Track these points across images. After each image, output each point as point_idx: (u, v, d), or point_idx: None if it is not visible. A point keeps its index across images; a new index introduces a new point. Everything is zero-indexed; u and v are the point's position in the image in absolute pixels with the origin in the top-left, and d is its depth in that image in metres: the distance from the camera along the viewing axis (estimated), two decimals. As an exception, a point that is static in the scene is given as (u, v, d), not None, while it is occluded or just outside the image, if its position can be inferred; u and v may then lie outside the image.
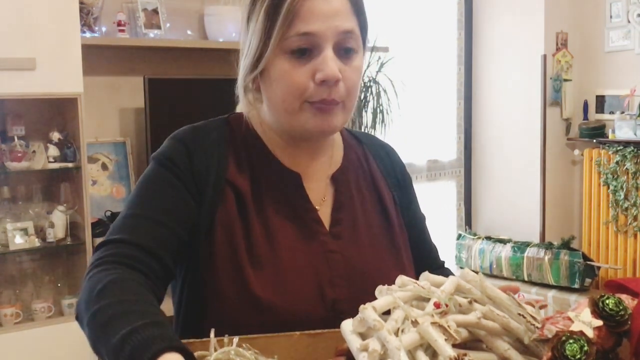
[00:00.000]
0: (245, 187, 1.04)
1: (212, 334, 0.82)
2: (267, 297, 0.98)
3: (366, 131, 3.41)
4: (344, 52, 1.00)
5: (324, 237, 1.06)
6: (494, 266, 3.96)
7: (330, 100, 0.99)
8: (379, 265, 1.08)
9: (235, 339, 0.82)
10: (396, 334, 0.72)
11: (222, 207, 1.02)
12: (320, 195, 1.10)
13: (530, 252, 3.85)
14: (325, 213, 1.09)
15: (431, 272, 0.89)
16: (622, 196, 3.89)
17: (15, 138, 2.70)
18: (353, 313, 0.79)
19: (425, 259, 1.20)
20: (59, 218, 2.74)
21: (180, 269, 1.05)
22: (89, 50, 2.82)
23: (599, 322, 0.72)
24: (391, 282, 0.85)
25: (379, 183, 1.16)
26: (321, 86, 0.98)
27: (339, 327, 0.82)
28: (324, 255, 1.04)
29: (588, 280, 3.70)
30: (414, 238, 1.19)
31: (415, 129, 4.11)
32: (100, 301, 0.84)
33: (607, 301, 0.73)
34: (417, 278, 0.86)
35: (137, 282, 0.89)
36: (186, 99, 3.14)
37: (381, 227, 1.12)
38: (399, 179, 1.20)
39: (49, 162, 2.74)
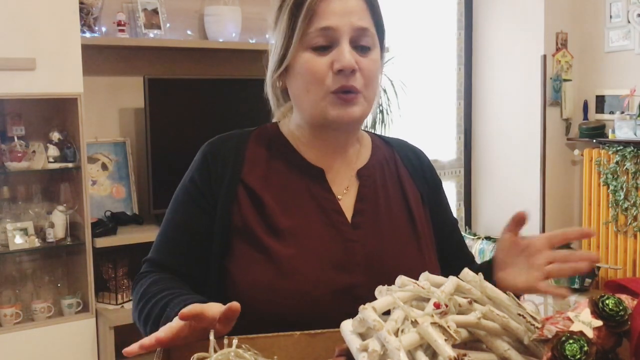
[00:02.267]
0: (261, 184, 1.12)
1: (211, 335, 0.82)
2: (289, 264, 1.06)
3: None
4: (360, 48, 1.08)
5: (344, 227, 1.11)
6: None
7: (350, 87, 1.06)
8: (399, 254, 1.12)
9: (235, 340, 0.82)
10: (396, 334, 0.72)
11: (235, 204, 1.11)
12: (343, 188, 1.16)
13: (530, 252, 3.84)
14: (348, 205, 1.14)
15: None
16: (622, 196, 3.89)
17: (15, 138, 2.70)
18: (370, 299, 0.80)
19: (456, 263, 1.20)
20: (59, 218, 2.74)
21: (210, 265, 1.12)
22: (89, 50, 2.82)
23: (599, 322, 0.72)
24: (412, 271, 0.87)
25: (405, 182, 1.21)
26: (339, 75, 1.06)
27: (355, 314, 0.82)
28: (343, 243, 1.10)
29: (588, 280, 3.70)
30: (444, 240, 1.23)
31: (415, 129, 4.12)
32: (142, 300, 1.06)
33: (607, 301, 0.73)
34: (442, 274, 0.87)
35: (167, 277, 1.09)
36: (186, 99, 3.14)
37: (405, 222, 1.16)
38: (427, 180, 1.25)
39: (49, 162, 2.74)
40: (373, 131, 1.48)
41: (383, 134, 1.39)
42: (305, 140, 1.16)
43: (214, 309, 0.88)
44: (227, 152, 1.15)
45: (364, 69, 1.07)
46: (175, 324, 0.87)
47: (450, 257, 1.23)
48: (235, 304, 0.88)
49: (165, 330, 0.86)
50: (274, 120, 1.22)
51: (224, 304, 1.04)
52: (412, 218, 1.17)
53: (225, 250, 1.09)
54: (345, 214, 1.13)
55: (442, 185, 1.29)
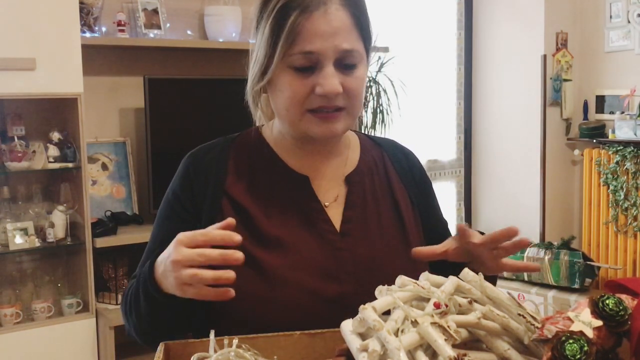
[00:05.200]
0: (245, 194, 1.10)
1: (211, 335, 0.82)
2: (278, 274, 1.04)
3: (366, 131, 3.42)
4: (345, 67, 1.04)
5: (332, 235, 1.09)
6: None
7: (331, 107, 1.03)
8: (389, 262, 1.10)
9: (235, 340, 0.82)
10: (396, 334, 0.72)
11: (220, 217, 1.07)
12: (332, 195, 1.13)
13: (530, 252, 3.85)
14: (336, 212, 1.12)
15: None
16: (622, 196, 3.89)
17: (15, 138, 2.70)
18: None
19: (447, 268, 1.20)
20: (59, 218, 2.74)
21: None
22: (89, 50, 2.82)
23: (599, 322, 0.72)
24: None
25: (395, 185, 1.18)
26: (321, 97, 1.02)
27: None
28: (332, 253, 1.08)
29: (588, 280, 3.70)
30: (435, 241, 1.19)
31: (415, 129, 4.12)
32: (126, 298, 1.09)
33: (607, 301, 0.73)
34: None
35: None
36: (186, 99, 3.14)
37: (394, 227, 1.14)
38: (417, 181, 1.23)
39: (49, 162, 2.74)
40: (373, 132, 1.47)
41: (379, 134, 1.37)
42: (289, 147, 1.14)
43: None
44: (209, 163, 1.12)
45: (349, 88, 1.03)
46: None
47: (441, 260, 1.21)
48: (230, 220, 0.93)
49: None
50: (258, 124, 1.19)
51: (215, 317, 1.04)
52: (402, 222, 1.15)
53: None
54: (333, 222, 1.10)
55: (432, 187, 1.27)
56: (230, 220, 0.93)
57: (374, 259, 1.09)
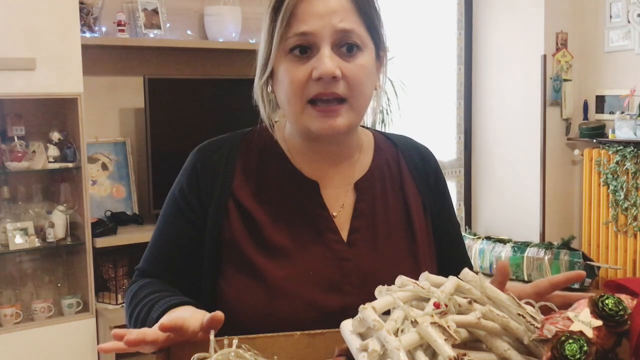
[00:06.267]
0: (252, 198, 1.06)
1: (211, 335, 0.82)
2: (280, 285, 1.02)
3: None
4: (346, 49, 1.00)
5: (339, 245, 1.06)
6: (494, 266, 3.96)
7: (329, 94, 0.99)
8: (394, 274, 1.07)
9: (235, 340, 0.82)
10: (396, 334, 0.72)
11: (226, 219, 1.05)
12: (340, 203, 1.09)
13: (530, 252, 3.85)
14: (344, 221, 1.08)
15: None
16: (622, 196, 3.89)
17: (15, 138, 2.70)
18: None
19: (454, 269, 1.18)
20: (59, 218, 2.74)
21: (201, 279, 1.08)
22: (89, 50, 2.82)
23: (599, 322, 0.72)
24: None
25: (407, 188, 1.14)
26: (318, 83, 0.98)
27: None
28: (337, 263, 1.04)
29: (588, 280, 3.70)
30: (446, 246, 1.18)
31: (415, 129, 4.12)
32: (131, 305, 1.04)
33: (606, 301, 0.73)
34: None
35: (156, 281, 1.07)
36: (186, 99, 3.14)
37: (403, 236, 1.11)
38: (430, 184, 1.18)
39: (49, 162, 2.74)
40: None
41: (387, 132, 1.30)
42: (299, 149, 1.09)
43: (195, 320, 0.85)
44: (218, 161, 1.08)
45: (349, 75, 0.99)
46: (153, 332, 0.83)
47: (449, 265, 1.16)
48: (218, 314, 0.84)
49: (146, 333, 0.82)
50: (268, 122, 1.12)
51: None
52: (412, 230, 1.11)
53: (216, 266, 1.05)
54: (340, 231, 1.06)
55: (446, 188, 1.21)
56: (219, 317, 0.85)
57: (379, 270, 1.05)
